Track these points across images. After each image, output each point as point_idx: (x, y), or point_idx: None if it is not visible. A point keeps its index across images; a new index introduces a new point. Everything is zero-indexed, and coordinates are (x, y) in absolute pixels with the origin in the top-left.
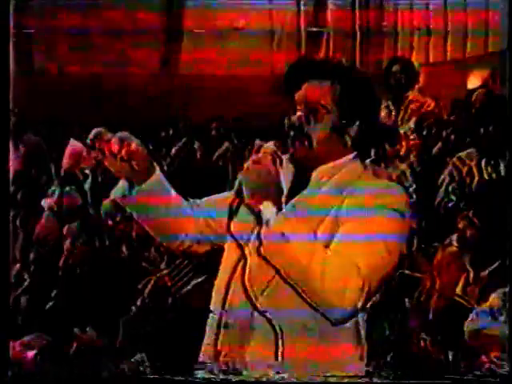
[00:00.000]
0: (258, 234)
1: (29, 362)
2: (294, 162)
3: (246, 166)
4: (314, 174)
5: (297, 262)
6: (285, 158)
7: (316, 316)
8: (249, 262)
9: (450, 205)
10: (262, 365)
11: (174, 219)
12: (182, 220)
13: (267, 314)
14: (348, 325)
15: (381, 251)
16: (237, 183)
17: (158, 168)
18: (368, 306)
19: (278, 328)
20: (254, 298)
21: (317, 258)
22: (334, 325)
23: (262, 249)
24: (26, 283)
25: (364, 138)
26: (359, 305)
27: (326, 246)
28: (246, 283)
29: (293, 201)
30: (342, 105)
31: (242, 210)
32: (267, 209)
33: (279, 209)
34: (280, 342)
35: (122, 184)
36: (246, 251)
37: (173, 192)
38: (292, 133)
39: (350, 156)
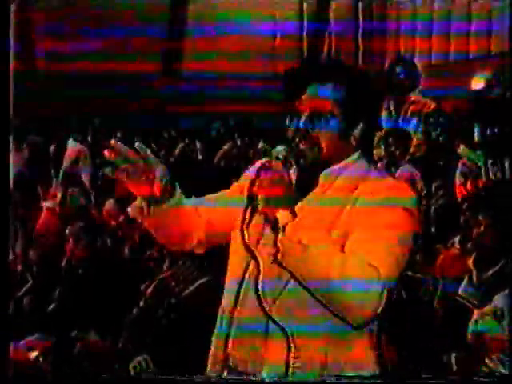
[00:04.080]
0: (275, 242)
1: (31, 364)
2: (299, 167)
3: (258, 173)
4: (322, 177)
5: (316, 267)
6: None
7: (331, 323)
8: (262, 270)
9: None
10: (279, 371)
11: (186, 229)
12: (193, 228)
13: (280, 322)
14: (363, 330)
15: (396, 252)
16: (247, 190)
17: (178, 190)
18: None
19: (290, 336)
20: (267, 307)
21: (336, 263)
22: (354, 329)
23: (279, 256)
24: (28, 284)
25: (368, 138)
26: (380, 308)
27: (342, 248)
28: (260, 292)
29: (302, 205)
30: (346, 107)
31: (256, 217)
32: (283, 216)
33: (294, 215)
34: (293, 350)
35: (140, 203)
36: (259, 259)
37: (187, 207)
38: (298, 138)
39: (355, 156)
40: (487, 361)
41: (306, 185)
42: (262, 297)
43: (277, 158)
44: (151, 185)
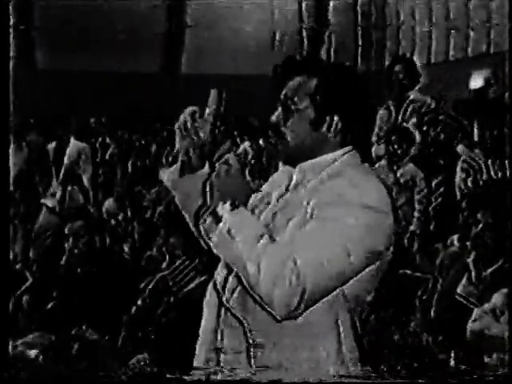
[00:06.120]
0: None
1: (31, 361)
2: (283, 161)
3: (213, 168)
4: (295, 172)
5: (238, 258)
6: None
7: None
8: (221, 263)
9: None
10: (236, 365)
11: None
12: None
13: (237, 314)
14: (325, 325)
15: (334, 248)
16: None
17: (207, 165)
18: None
19: (248, 329)
20: (224, 299)
21: (256, 254)
22: (277, 321)
23: (212, 247)
24: (28, 282)
25: (351, 132)
26: (294, 301)
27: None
28: (218, 284)
29: (280, 200)
30: (316, 99)
31: (209, 211)
32: (222, 208)
33: (234, 207)
34: (251, 342)
35: (174, 168)
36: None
37: None
38: (269, 131)
39: (342, 151)
40: (486, 359)
41: (287, 180)
42: (218, 288)
43: (235, 153)
44: (195, 146)
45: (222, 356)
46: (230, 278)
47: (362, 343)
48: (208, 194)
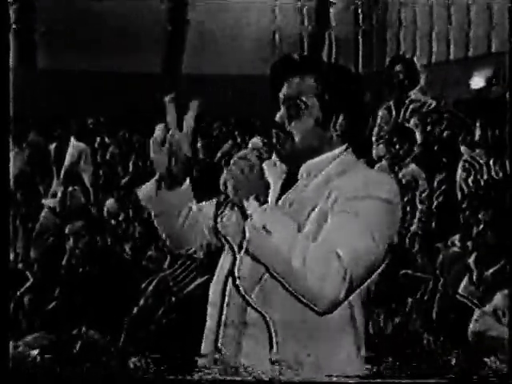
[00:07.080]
0: (243, 230)
1: (31, 362)
2: (283, 160)
3: (231, 162)
4: (302, 170)
5: (279, 254)
6: (275, 157)
7: (310, 312)
8: (238, 258)
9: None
10: (257, 362)
11: (188, 228)
12: (195, 229)
13: (260, 310)
14: (344, 322)
15: (366, 240)
16: (222, 180)
17: (188, 180)
18: (355, 298)
19: (271, 324)
20: (246, 294)
21: (298, 249)
22: (319, 315)
23: (244, 243)
24: (28, 283)
25: (352, 130)
26: (342, 294)
27: (314, 239)
28: (237, 280)
29: (283, 197)
30: (323, 99)
31: (229, 207)
32: (250, 204)
33: (262, 203)
34: (274, 339)
35: (150, 184)
36: (235, 247)
37: (194, 205)
38: (275, 131)
39: (341, 149)
40: (487, 360)
41: (288, 179)
42: (239, 283)
43: (251, 149)
44: (171, 161)
45: (242, 354)
46: (248, 272)
47: (369, 339)
48: (228, 191)
